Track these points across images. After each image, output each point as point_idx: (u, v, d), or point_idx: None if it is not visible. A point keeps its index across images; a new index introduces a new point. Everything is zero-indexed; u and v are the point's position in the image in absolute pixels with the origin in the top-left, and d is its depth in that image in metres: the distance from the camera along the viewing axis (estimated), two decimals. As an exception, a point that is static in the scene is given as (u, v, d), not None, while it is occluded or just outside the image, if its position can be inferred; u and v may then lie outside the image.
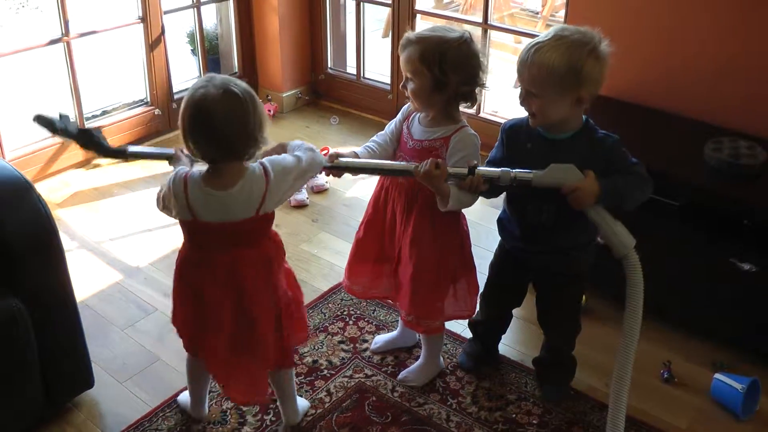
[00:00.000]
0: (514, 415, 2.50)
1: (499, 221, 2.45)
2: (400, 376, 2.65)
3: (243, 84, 1.95)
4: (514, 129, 2.31)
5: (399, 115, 2.45)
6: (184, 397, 2.51)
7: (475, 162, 2.22)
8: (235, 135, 1.93)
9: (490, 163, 2.32)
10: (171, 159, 2.21)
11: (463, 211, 2.42)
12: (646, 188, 2.18)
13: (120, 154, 2.31)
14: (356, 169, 2.38)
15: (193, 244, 2.12)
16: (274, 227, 2.17)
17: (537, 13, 6.19)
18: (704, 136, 2.88)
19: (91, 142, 2.22)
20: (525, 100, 2.15)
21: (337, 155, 2.28)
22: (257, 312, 2.12)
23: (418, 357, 2.69)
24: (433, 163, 2.16)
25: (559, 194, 2.12)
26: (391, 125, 2.45)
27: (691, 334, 2.84)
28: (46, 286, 2.29)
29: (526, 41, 2.44)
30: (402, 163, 2.31)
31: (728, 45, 3.02)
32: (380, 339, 2.80)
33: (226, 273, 2.07)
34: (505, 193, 2.36)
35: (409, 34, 2.28)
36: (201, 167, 2.04)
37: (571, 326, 2.51)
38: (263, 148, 2.03)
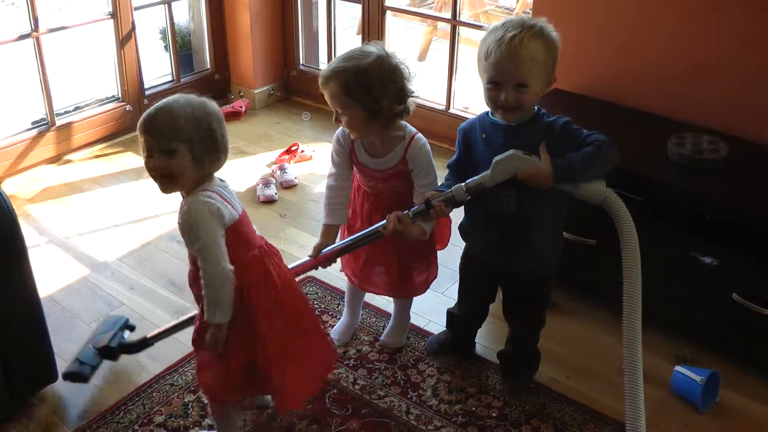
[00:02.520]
0: (473, 408, 2.51)
1: (462, 229, 2.44)
2: (381, 342, 2.77)
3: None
4: (466, 128, 2.31)
5: (336, 146, 2.44)
6: None
7: (428, 194, 2.25)
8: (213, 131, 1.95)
9: (451, 168, 2.34)
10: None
11: None
12: (608, 152, 2.10)
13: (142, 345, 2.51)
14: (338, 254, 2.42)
15: (235, 252, 2.01)
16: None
17: (511, 10, 6.22)
18: (668, 132, 2.89)
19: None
20: (511, 95, 2.09)
21: (319, 248, 2.39)
22: (297, 298, 2.18)
23: (381, 349, 2.75)
24: (395, 219, 2.23)
25: (517, 181, 2.11)
26: (335, 160, 2.46)
27: (654, 327, 2.84)
28: (7, 282, 2.28)
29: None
30: (370, 229, 2.34)
31: (691, 42, 3.04)
32: (337, 330, 2.80)
33: (264, 262, 2.06)
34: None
35: (323, 71, 2.27)
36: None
37: (538, 322, 2.53)
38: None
